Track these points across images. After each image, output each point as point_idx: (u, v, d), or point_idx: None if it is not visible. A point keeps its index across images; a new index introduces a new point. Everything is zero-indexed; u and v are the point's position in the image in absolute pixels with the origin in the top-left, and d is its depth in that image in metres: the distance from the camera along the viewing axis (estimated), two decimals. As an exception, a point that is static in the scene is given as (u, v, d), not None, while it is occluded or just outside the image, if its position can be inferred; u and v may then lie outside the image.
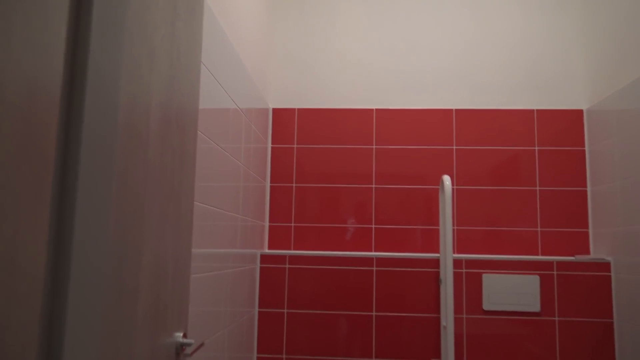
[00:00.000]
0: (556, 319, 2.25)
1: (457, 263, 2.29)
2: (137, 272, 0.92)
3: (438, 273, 2.29)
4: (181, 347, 1.15)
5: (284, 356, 2.28)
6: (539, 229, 2.42)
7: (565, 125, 2.48)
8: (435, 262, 2.31)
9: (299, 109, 2.54)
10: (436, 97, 2.53)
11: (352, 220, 2.46)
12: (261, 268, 2.33)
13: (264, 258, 2.34)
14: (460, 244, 2.44)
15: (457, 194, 2.46)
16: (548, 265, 2.28)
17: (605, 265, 2.26)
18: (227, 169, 1.79)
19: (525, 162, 2.46)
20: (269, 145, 2.52)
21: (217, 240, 1.65)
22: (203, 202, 1.48)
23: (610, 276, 2.25)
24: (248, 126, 2.11)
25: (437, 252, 2.39)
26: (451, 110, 2.50)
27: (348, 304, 2.30)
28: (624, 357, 2.16)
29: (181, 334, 1.16)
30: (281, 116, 2.54)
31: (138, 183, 0.92)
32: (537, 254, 2.40)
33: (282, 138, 2.53)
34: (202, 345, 1.15)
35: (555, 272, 2.27)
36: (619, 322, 2.21)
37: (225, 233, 1.76)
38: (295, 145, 2.52)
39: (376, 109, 2.52)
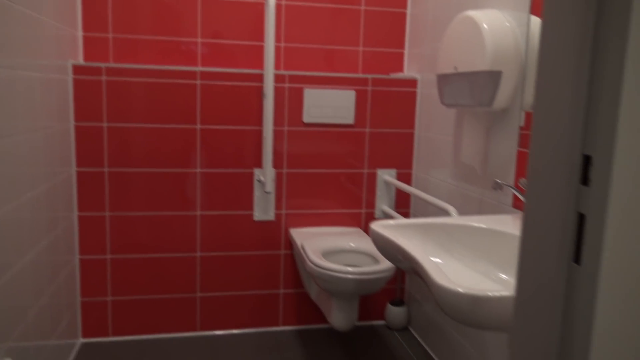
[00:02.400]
0: (367, 130, 2.49)
1: (280, 78, 2.36)
2: None
3: (262, 87, 2.34)
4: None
5: (106, 169, 2.26)
6: (360, 48, 2.55)
7: (393, -55, 2.50)
8: (260, 77, 2.35)
9: None
10: None
11: (177, 34, 2.35)
12: (75, 80, 2.18)
13: (78, 69, 2.18)
14: (288, 61, 2.49)
15: (287, 11, 2.44)
16: (364, 81, 2.44)
17: (413, 82, 2.49)
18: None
19: (353, -19, 2.48)
20: (77, -59, 2.20)
21: (7, 32, 1.48)
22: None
23: (416, 92, 2.50)
24: None
25: (262, 67, 2.42)
26: None
27: (172, 118, 2.29)
28: (419, 159, 2.51)
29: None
30: None
31: None
32: (358, 72, 2.56)
33: None
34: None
35: (369, 88, 2.45)
36: (418, 131, 2.51)
37: (20, 29, 1.58)
38: (109, -55, 2.23)
39: None
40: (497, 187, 1.46)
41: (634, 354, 0.61)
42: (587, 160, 0.60)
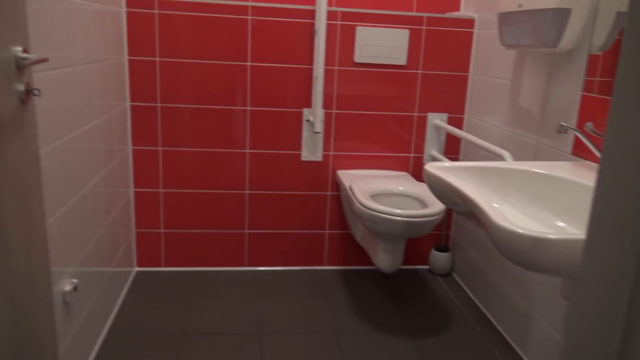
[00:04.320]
0: (419, 72, 2.41)
1: (333, 15, 2.29)
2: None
3: (313, 24, 2.29)
4: (22, 61, 1.10)
5: (159, 104, 2.29)
6: (416, -15, 2.44)
7: None
8: (312, 14, 2.29)
9: None
10: None
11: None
12: (128, 13, 2.18)
13: (131, 1, 2.17)
14: (339, -2, 2.41)
15: (340, -56, 2.34)
16: (418, 20, 2.35)
17: (470, 22, 2.38)
18: None
19: None
20: None
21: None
22: None
23: (472, 32, 2.39)
24: None
25: (314, 3, 2.35)
26: None
27: (223, 55, 2.28)
28: (472, 103, 2.43)
29: (20, 49, 1.10)
30: None
31: None
32: (412, 10, 2.46)
33: None
34: (45, 59, 1.11)
35: (424, 27, 2.36)
36: (472, 74, 2.42)
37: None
38: None
39: None
40: (562, 130, 1.40)
41: None
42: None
